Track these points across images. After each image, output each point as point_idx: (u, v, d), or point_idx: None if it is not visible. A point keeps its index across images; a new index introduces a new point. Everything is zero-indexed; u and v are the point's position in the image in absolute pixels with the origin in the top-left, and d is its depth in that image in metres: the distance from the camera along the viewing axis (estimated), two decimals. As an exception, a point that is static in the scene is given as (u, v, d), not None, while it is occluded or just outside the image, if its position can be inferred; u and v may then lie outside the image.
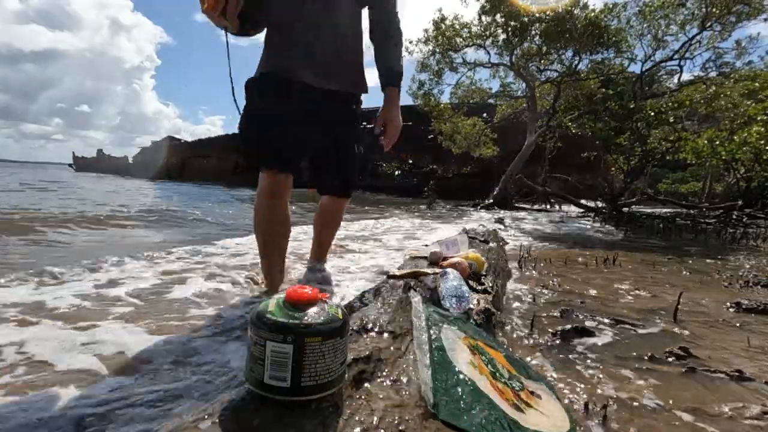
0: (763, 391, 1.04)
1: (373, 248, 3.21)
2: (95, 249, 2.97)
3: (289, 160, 1.60)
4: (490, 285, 1.41)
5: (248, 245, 2.87)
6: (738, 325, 1.60)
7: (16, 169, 40.96)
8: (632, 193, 11.11)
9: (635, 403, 0.96)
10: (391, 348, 0.72)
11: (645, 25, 10.88)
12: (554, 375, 1.09)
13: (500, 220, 6.79)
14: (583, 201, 11.31)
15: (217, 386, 0.98)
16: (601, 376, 1.10)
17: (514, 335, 1.39)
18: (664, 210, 11.33)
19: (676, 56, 10.99)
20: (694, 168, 20.00)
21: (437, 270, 1.27)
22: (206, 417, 0.49)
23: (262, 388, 0.49)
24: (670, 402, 0.97)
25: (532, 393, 0.74)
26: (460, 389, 0.63)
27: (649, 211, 10.68)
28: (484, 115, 15.46)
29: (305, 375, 0.49)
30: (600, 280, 2.38)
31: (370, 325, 0.79)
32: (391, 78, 1.68)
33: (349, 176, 1.84)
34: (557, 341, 1.34)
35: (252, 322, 0.52)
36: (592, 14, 10.08)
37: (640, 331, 1.48)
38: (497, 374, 0.73)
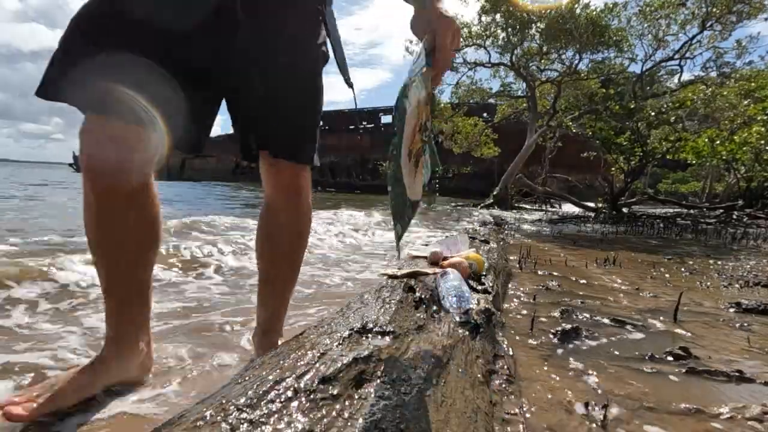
0: (763, 392, 1.04)
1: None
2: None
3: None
4: (490, 285, 1.41)
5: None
6: (738, 325, 1.60)
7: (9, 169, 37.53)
8: (632, 193, 11.12)
9: (635, 404, 0.95)
10: (392, 348, 0.72)
11: (645, 25, 10.88)
12: (554, 375, 1.09)
13: (500, 220, 6.79)
14: (582, 201, 11.31)
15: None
16: (601, 376, 1.10)
17: (514, 335, 1.39)
18: (665, 210, 11.33)
19: (676, 56, 11.00)
20: (694, 168, 20.01)
21: (437, 270, 1.28)
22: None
23: None
24: (670, 402, 0.97)
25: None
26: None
27: (649, 211, 10.69)
28: (485, 114, 15.46)
29: None
30: (600, 281, 2.38)
31: (370, 325, 0.79)
32: None
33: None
34: (557, 341, 1.34)
35: None
36: (593, 13, 10.09)
37: (641, 331, 1.48)
38: (424, 130, 0.81)
